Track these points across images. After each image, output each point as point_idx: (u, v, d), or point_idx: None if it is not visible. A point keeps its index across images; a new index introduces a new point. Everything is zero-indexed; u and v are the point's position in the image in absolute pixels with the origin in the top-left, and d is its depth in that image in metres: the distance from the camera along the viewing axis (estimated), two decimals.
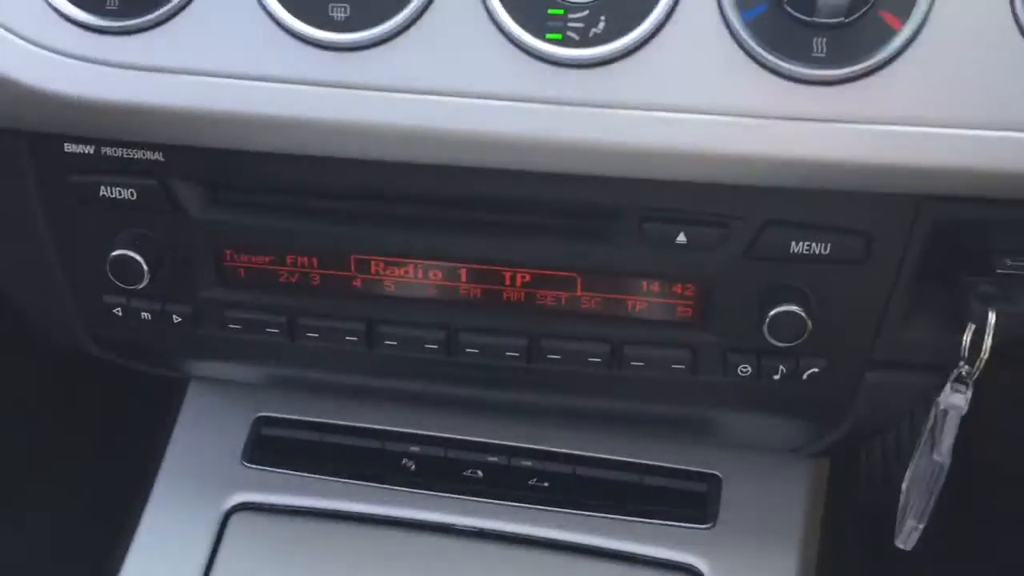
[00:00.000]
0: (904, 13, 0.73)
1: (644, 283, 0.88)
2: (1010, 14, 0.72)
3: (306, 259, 0.91)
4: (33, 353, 1.22)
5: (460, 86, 0.77)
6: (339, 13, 0.77)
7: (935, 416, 0.87)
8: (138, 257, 0.88)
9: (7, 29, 0.80)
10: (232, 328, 0.94)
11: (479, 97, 0.77)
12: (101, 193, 0.88)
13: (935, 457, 0.86)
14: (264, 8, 0.78)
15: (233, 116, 0.79)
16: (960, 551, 1.28)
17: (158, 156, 0.86)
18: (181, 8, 0.78)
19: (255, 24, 0.78)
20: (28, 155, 0.88)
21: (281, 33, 0.78)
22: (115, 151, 0.86)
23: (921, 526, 0.90)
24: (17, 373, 1.32)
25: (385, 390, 1.08)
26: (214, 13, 0.78)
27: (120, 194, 0.87)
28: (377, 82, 0.78)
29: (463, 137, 0.78)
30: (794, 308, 0.82)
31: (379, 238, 0.89)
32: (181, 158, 0.85)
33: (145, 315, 0.94)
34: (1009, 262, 0.81)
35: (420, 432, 1.11)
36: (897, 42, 0.73)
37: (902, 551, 0.92)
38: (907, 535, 0.91)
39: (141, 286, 0.89)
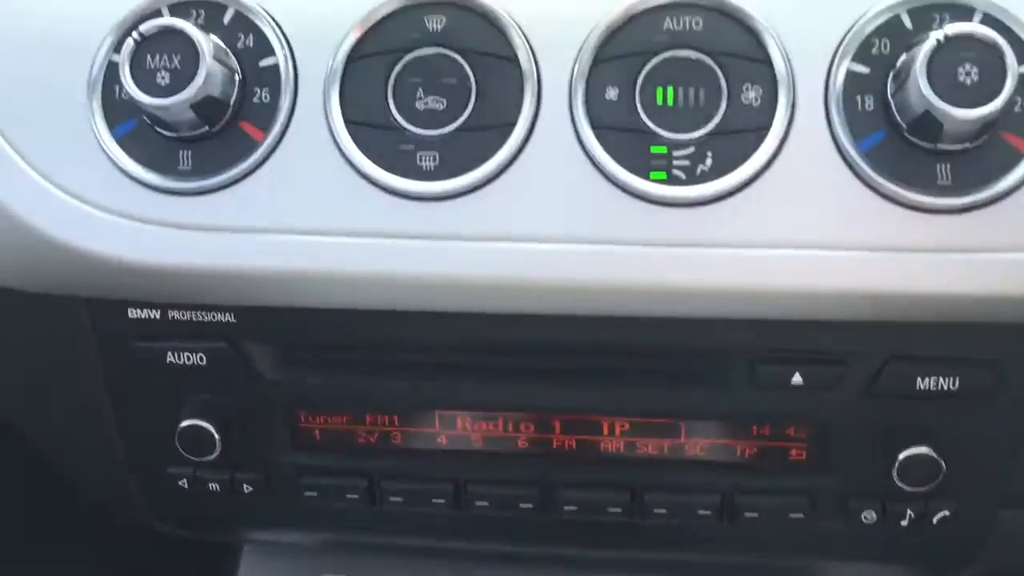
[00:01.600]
0: None
1: (755, 427, 0.82)
2: None
3: (386, 418, 0.85)
4: (84, 529, 1.14)
5: (561, 232, 0.72)
6: (428, 162, 0.73)
7: None
8: (209, 426, 0.81)
9: (69, 193, 0.75)
10: (308, 495, 0.87)
11: (584, 242, 0.72)
12: (168, 359, 0.82)
13: None
14: (349, 162, 0.73)
15: (320, 274, 0.74)
16: None
17: (229, 318, 0.80)
18: (259, 165, 0.74)
19: (339, 178, 0.74)
20: (88, 322, 0.83)
21: (367, 186, 0.74)
22: (183, 314, 0.81)
23: None
24: (65, 542, 1.23)
25: (464, 551, 1.00)
26: (294, 169, 0.74)
27: (188, 359, 0.82)
28: (472, 231, 0.73)
29: (568, 286, 0.73)
30: (926, 450, 0.76)
31: (466, 392, 0.83)
32: (254, 319, 0.80)
33: (213, 486, 0.87)
34: None
35: None
36: None
37: None
38: None
39: (212, 457, 0.82)
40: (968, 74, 0.66)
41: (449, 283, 0.74)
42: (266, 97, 0.74)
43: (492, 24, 0.73)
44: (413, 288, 0.74)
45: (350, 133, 0.73)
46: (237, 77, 0.74)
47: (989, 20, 0.70)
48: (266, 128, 0.74)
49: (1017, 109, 0.69)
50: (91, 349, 0.84)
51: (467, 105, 0.73)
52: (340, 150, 0.73)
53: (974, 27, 0.66)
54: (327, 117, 0.74)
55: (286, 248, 0.74)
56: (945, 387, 0.76)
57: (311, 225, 0.74)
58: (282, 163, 0.74)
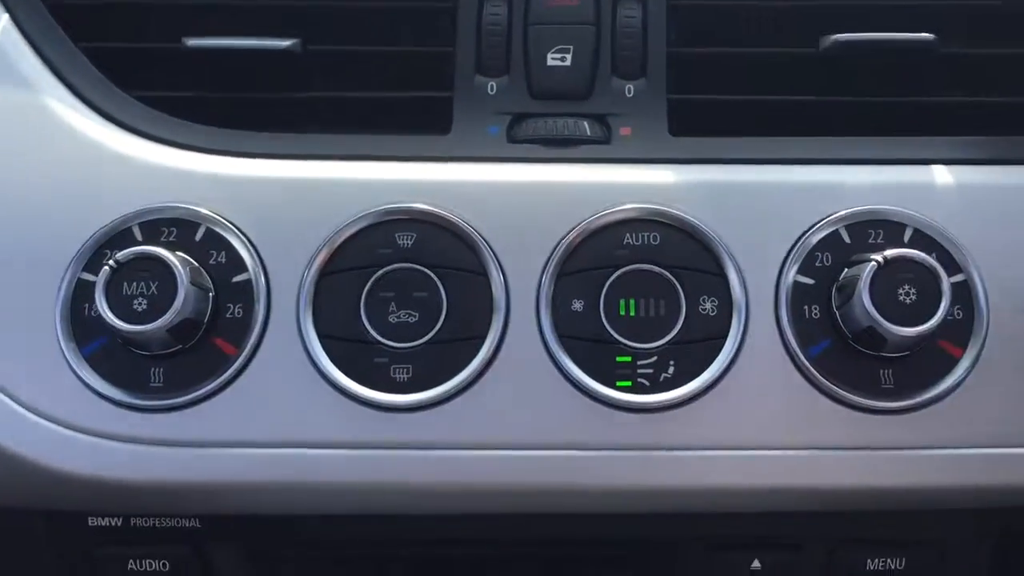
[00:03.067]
0: (963, 342, 0.75)
1: None
2: None
3: None
4: None
5: (532, 439, 0.75)
6: (402, 375, 0.75)
7: None
8: None
9: (37, 412, 0.74)
10: None
11: (555, 449, 0.75)
12: (129, 567, 0.80)
13: None
14: (324, 376, 0.75)
15: (303, 486, 0.75)
16: None
17: (194, 523, 0.80)
18: (232, 380, 0.75)
19: (313, 392, 0.75)
20: (43, 531, 0.81)
21: (342, 399, 0.75)
22: (146, 521, 0.80)
23: None
24: None
25: None
26: (268, 383, 0.75)
27: (151, 566, 0.80)
28: (446, 440, 0.75)
29: (541, 490, 0.75)
30: None
31: None
32: (220, 524, 0.80)
33: None
34: None
35: None
36: (960, 370, 0.75)
37: None
38: None
39: None
40: (907, 294, 0.72)
41: (427, 491, 0.75)
42: (239, 312, 0.75)
43: (461, 240, 0.76)
44: (391, 496, 0.76)
45: (324, 347, 0.75)
46: (211, 294, 0.75)
47: (919, 235, 0.76)
48: (239, 343, 0.75)
49: (950, 318, 0.75)
50: (46, 557, 0.82)
51: (438, 318, 0.75)
52: (314, 364, 0.75)
53: (910, 252, 0.72)
54: (300, 332, 0.75)
55: (257, 461, 0.74)
56: (892, 567, 0.81)
57: (288, 438, 0.75)
58: (256, 378, 0.75)
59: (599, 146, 0.81)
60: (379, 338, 0.75)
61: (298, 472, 0.74)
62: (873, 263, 0.72)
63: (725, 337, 0.75)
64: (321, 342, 0.75)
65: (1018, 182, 0.79)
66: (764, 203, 0.78)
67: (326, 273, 0.76)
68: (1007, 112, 0.83)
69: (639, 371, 0.75)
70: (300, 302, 0.75)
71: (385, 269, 0.76)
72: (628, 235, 0.77)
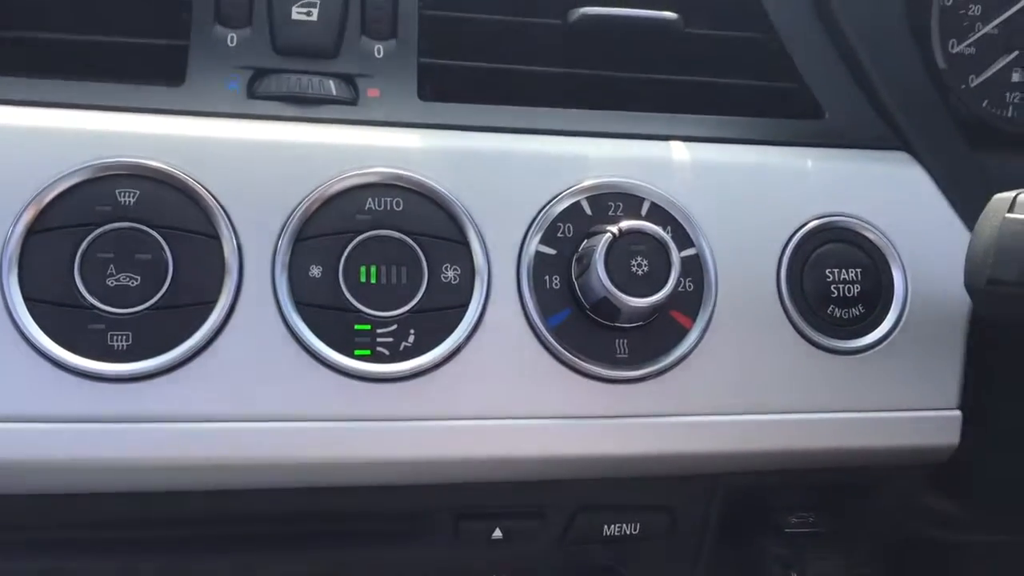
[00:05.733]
0: (693, 313, 0.78)
1: None
2: (782, 312, 0.79)
3: None
4: None
5: (264, 410, 0.71)
6: (120, 342, 0.69)
7: None
8: None
9: None
10: None
11: (289, 420, 0.72)
12: None
13: None
14: (29, 342, 0.68)
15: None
16: None
17: None
18: None
19: (14, 361, 0.68)
20: None
21: (50, 368, 0.68)
22: None
23: None
24: None
25: None
26: None
27: None
28: (167, 412, 0.70)
29: (271, 463, 0.72)
30: None
31: (187, 566, 0.79)
32: None
33: None
34: (794, 520, 0.87)
35: None
36: (690, 340, 0.77)
37: None
38: None
39: None
40: (640, 266, 0.73)
41: (143, 466, 0.70)
42: None
43: (190, 199, 0.72)
44: (108, 473, 0.70)
45: (30, 311, 0.68)
46: None
47: (656, 209, 0.78)
48: None
49: (681, 289, 0.77)
50: None
51: (164, 283, 0.70)
52: (18, 329, 0.68)
53: (643, 224, 0.74)
54: (4, 294, 0.68)
55: None
56: (628, 531, 0.83)
57: None
58: None
59: (345, 107, 0.78)
60: (95, 302, 0.69)
61: (2, 447, 0.68)
62: (608, 235, 0.73)
63: (467, 306, 0.75)
64: (27, 305, 0.68)
65: (750, 160, 0.83)
66: (509, 172, 0.77)
67: (34, 231, 0.69)
68: (743, 93, 0.87)
69: (378, 340, 0.73)
70: (2, 262, 0.68)
71: (103, 228, 0.70)
72: (371, 200, 0.74)
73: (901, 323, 0.81)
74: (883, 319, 0.81)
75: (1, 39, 0.75)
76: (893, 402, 0.81)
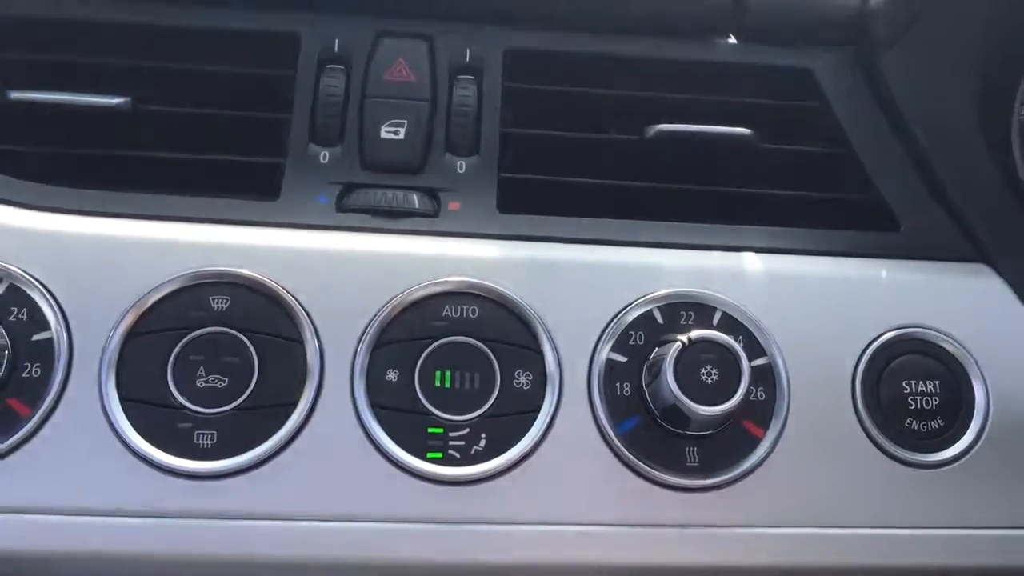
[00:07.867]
0: (765, 422, 0.78)
1: None
2: (857, 424, 0.78)
3: None
4: None
5: (339, 511, 0.74)
6: (206, 441, 0.73)
7: None
8: None
9: None
10: None
11: (362, 521, 0.74)
12: None
13: None
14: (122, 440, 0.72)
15: (87, 555, 0.71)
16: None
17: None
18: (24, 441, 0.71)
19: (108, 457, 0.72)
20: None
21: (139, 465, 0.72)
22: None
23: None
24: None
25: None
26: (63, 446, 0.72)
27: None
28: (248, 510, 0.73)
29: (345, 563, 0.74)
30: None
31: None
32: None
33: None
34: None
35: None
36: (761, 450, 0.77)
37: None
38: None
39: None
40: (709, 374, 0.74)
41: (226, 562, 0.73)
42: (36, 372, 0.73)
43: (277, 305, 0.76)
44: (189, 568, 0.73)
45: (125, 411, 0.72)
46: (6, 352, 0.72)
47: (727, 318, 0.79)
48: (33, 404, 0.72)
49: (753, 398, 0.77)
50: None
51: (249, 385, 0.74)
52: (113, 427, 0.72)
53: (712, 333, 0.75)
54: (101, 394, 0.73)
55: (54, 529, 0.71)
56: None
57: (79, 505, 0.71)
58: (50, 440, 0.72)
59: (426, 219, 0.82)
60: (184, 402, 0.73)
61: (90, 541, 0.71)
62: (678, 343, 0.74)
63: (538, 411, 0.76)
64: (123, 405, 0.73)
65: (824, 271, 0.83)
66: (583, 281, 0.80)
67: (133, 335, 0.74)
68: (817, 205, 0.88)
69: (450, 443, 0.75)
70: (103, 363, 0.73)
71: (196, 332, 0.74)
72: (447, 307, 0.77)
73: (983, 436, 0.79)
74: (964, 432, 0.79)
75: (126, 159, 0.82)
76: (975, 519, 0.78)
